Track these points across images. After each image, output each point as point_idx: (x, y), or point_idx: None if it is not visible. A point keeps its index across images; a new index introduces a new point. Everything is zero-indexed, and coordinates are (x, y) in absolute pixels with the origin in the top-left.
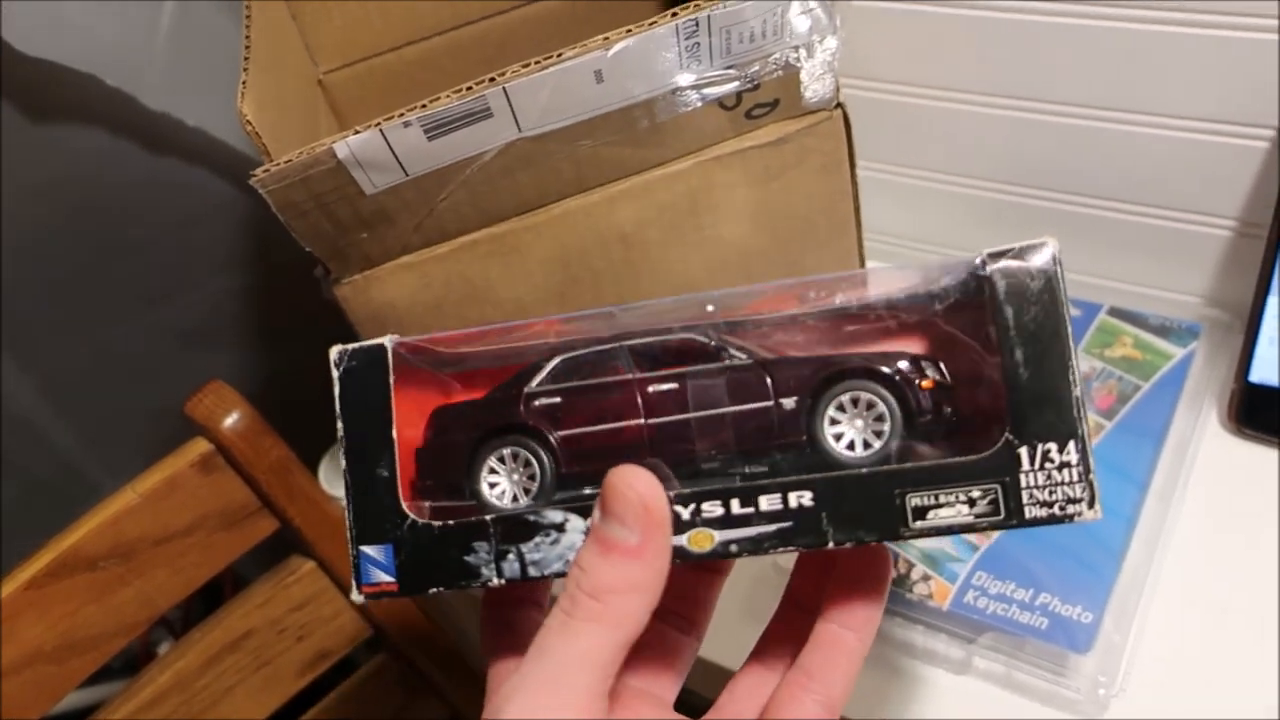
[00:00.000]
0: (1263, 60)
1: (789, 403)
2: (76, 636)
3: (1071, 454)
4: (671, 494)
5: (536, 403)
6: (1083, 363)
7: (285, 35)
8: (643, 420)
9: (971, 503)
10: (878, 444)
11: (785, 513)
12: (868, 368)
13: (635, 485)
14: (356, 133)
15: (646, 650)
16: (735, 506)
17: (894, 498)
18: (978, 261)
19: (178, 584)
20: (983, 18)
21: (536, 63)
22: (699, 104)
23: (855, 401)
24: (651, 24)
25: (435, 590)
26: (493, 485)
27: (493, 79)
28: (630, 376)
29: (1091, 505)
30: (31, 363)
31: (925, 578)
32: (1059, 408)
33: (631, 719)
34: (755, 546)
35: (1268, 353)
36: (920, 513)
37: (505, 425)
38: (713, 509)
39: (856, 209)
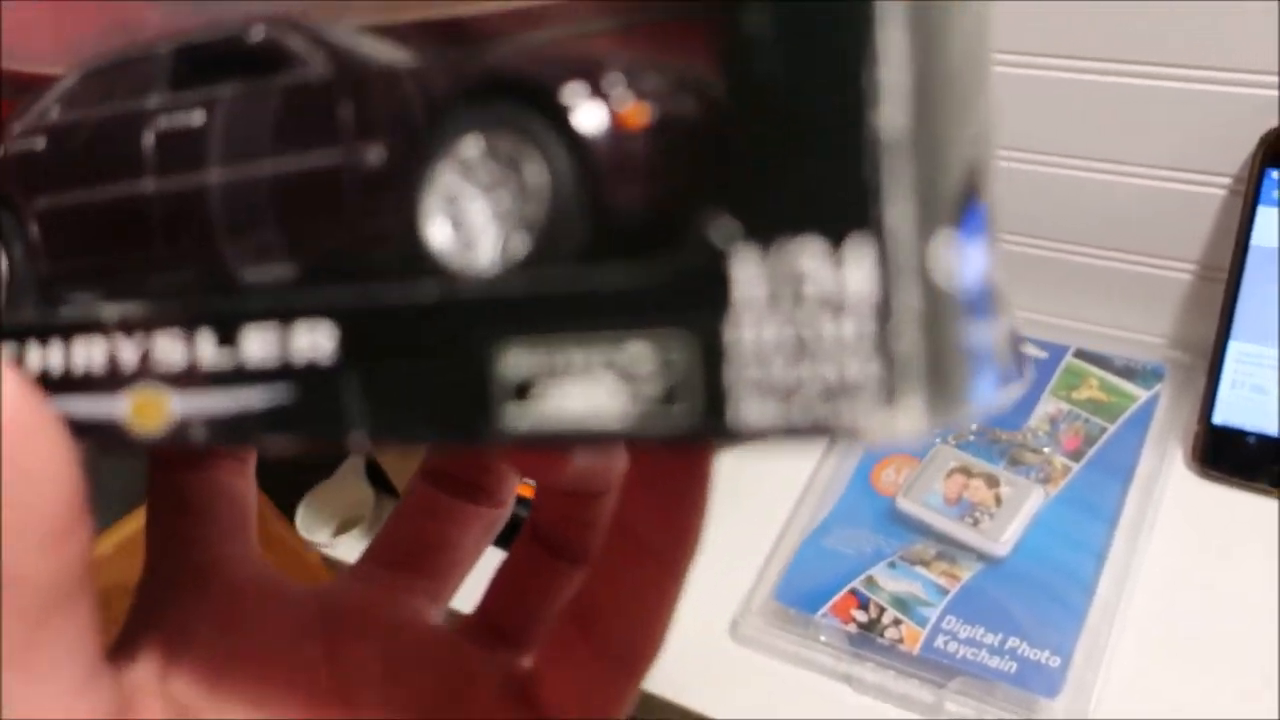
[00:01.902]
0: (1219, 112)
1: (374, 154)
2: None
3: (854, 269)
4: (110, 315)
5: (17, 146)
6: (1049, 405)
7: None
8: (147, 182)
9: (629, 377)
10: (522, 248)
11: (284, 369)
12: (507, 75)
13: None
14: None
15: None
16: (205, 348)
17: (482, 355)
18: None
19: None
20: None
21: None
22: None
23: (491, 152)
24: None
25: None
26: None
27: None
28: (146, 104)
29: (889, 400)
30: None
31: (896, 622)
32: (836, 152)
33: None
34: (232, 432)
35: (1230, 395)
36: (522, 392)
37: None
38: (170, 349)
39: None
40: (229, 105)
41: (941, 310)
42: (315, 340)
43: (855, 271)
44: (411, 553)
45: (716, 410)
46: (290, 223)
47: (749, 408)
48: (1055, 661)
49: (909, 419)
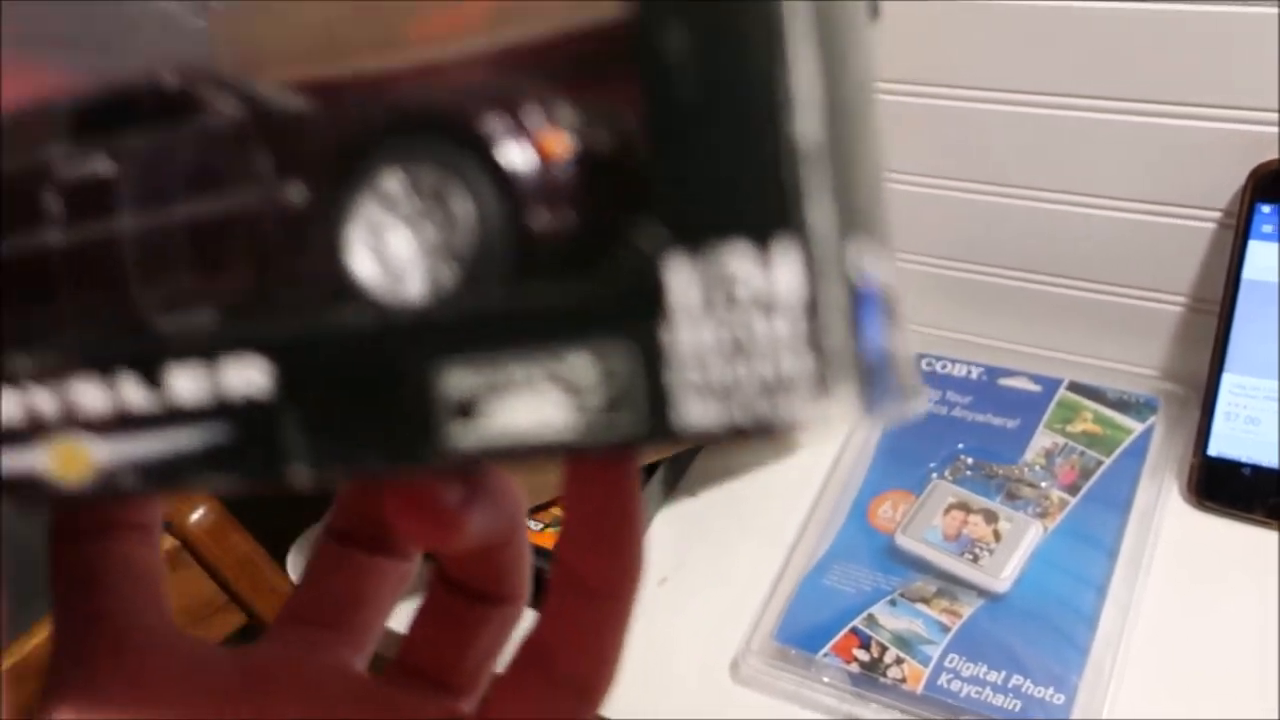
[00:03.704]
0: (1209, 148)
1: (294, 192)
2: None
3: (781, 270)
4: (23, 365)
5: None
6: (1044, 439)
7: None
8: (54, 234)
9: (572, 389)
10: (451, 277)
11: (219, 407)
12: (428, 113)
13: None
14: None
15: None
16: (130, 390)
17: (421, 378)
18: None
19: None
20: (939, 106)
21: None
22: None
23: (414, 186)
24: None
25: None
26: None
27: None
28: (47, 156)
29: (823, 389)
30: None
31: (898, 661)
32: (758, 160)
33: None
34: (166, 477)
35: (1224, 428)
36: (468, 409)
37: None
38: (89, 395)
39: None
40: (139, 152)
41: (860, 309)
42: (249, 376)
43: (783, 271)
44: (329, 609)
45: (660, 414)
46: (210, 263)
47: (691, 409)
48: (1059, 699)
49: (842, 409)
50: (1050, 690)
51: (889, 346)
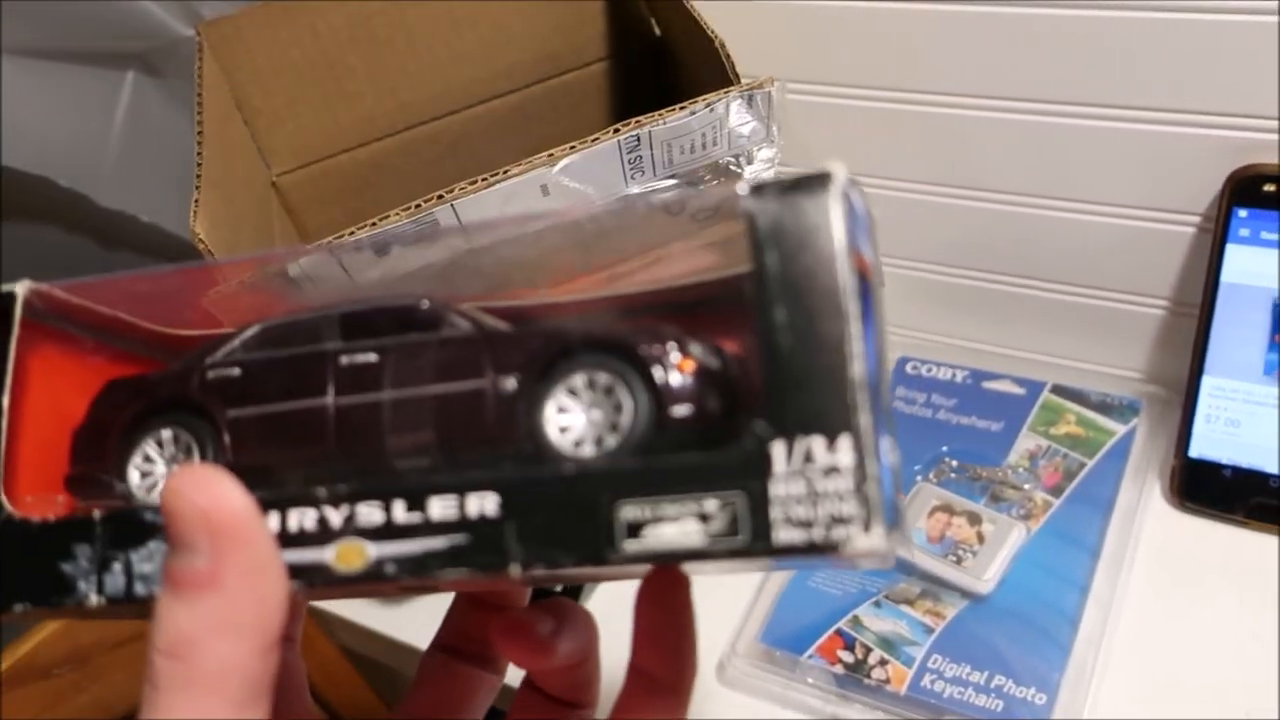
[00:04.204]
0: (1188, 153)
1: (508, 383)
2: None
3: (843, 454)
4: (322, 493)
5: (213, 374)
6: (1028, 441)
7: (238, 143)
8: (329, 400)
9: (704, 518)
10: (613, 441)
11: (461, 522)
12: (606, 339)
13: (187, 490)
14: (308, 253)
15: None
16: (399, 511)
17: (602, 507)
18: (739, 191)
19: (135, 688)
20: (923, 112)
21: (484, 179)
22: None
23: (591, 384)
24: (595, 140)
25: (22, 608)
26: (145, 474)
27: (440, 196)
28: (325, 347)
29: (867, 528)
30: None
31: (882, 662)
32: (829, 389)
33: None
34: (418, 567)
35: (1205, 430)
36: (634, 529)
37: (170, 400)
38: (370, 513)
39: None
40: (399, 349)
41: (884, 478)
42: (483, 504)
43: (842, 454)
44: (439, 709)
45: (763, 536)
46: (443, 427)
47: (782, 533)
48: (1041, 699)
49: (877, 540)
50: (1033, 690)
51: (898, 504)
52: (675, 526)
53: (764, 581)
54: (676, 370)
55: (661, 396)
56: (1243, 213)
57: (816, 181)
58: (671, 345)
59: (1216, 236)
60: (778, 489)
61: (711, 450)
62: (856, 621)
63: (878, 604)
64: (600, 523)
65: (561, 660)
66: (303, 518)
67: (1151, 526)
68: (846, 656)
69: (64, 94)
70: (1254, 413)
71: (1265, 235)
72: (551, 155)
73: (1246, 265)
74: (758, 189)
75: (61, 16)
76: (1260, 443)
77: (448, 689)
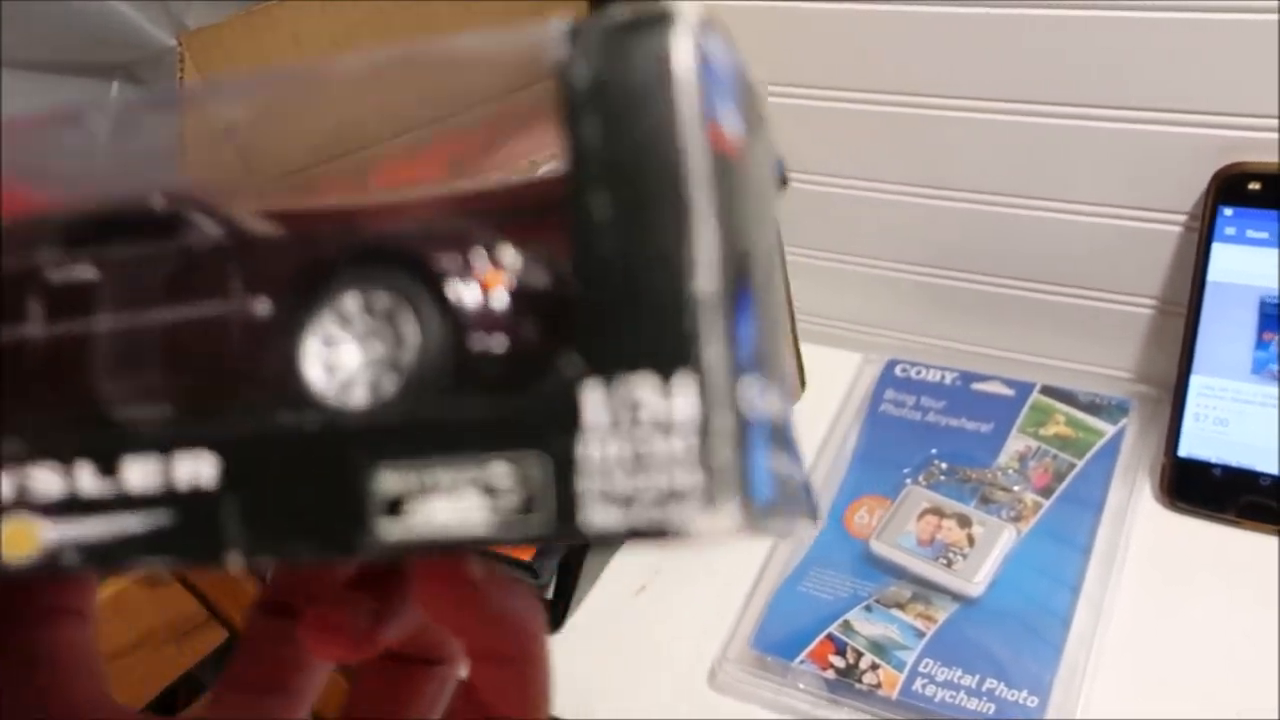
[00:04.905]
0: (1173, 152)
1: (260, 305)
2: None
3: (680, 400)
4: None
5: None
6: (1018, 442)
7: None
8: (29, 329)
9: (489, 491)
10: (390, 385)
11: (167, 496)
12: (387, 246)
13: None
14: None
15: None
16: (85, 478)
17: (356, 477)
18: (549, 33)
19: (126, 700)
20: (907, 114)
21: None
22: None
23: (367, 307)
24: None
25: None
26: None
27: None
28: (35, 261)
29: (711, 505)
30: None
31: (873, 666)
32: (663, 310)
33: None
34: (107, 556)
35: (1194, 428)
36: (396, 507)
37: None
38: (46, 481)
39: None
40: (123, 263)
41: (747, 436)
42: (197, 469)
43: (681, 400)
44: (268, 675)
45: (567, 516)
46: (174, 365)
47: (595, 513)
48: (1033, 702)
49: (726, 520)
50: (1025, 693)
51: (775, 469)
52: (449, 503)
53: (754, 587)
54: (481, 287)
55: (456, 323)
56: (1228, 211)
57: (655, 22)
58: (477, 253)
59: (1202, 235)
60: (590, 449)
61: (505, 396)
62: (847, 626)
63: (868, 608)
64: (354, 498)
65: (390, 643)
66: None
67: (1142, 526)
68: (838, 661)
69: (49, 104)
70: (1242, 411)
71: (1251, 234)
72: (533, 162)
73: (1233, 264)
74: (575, 32)
75: (46, 28)
76: (1249, 441)
77: (282, 650)
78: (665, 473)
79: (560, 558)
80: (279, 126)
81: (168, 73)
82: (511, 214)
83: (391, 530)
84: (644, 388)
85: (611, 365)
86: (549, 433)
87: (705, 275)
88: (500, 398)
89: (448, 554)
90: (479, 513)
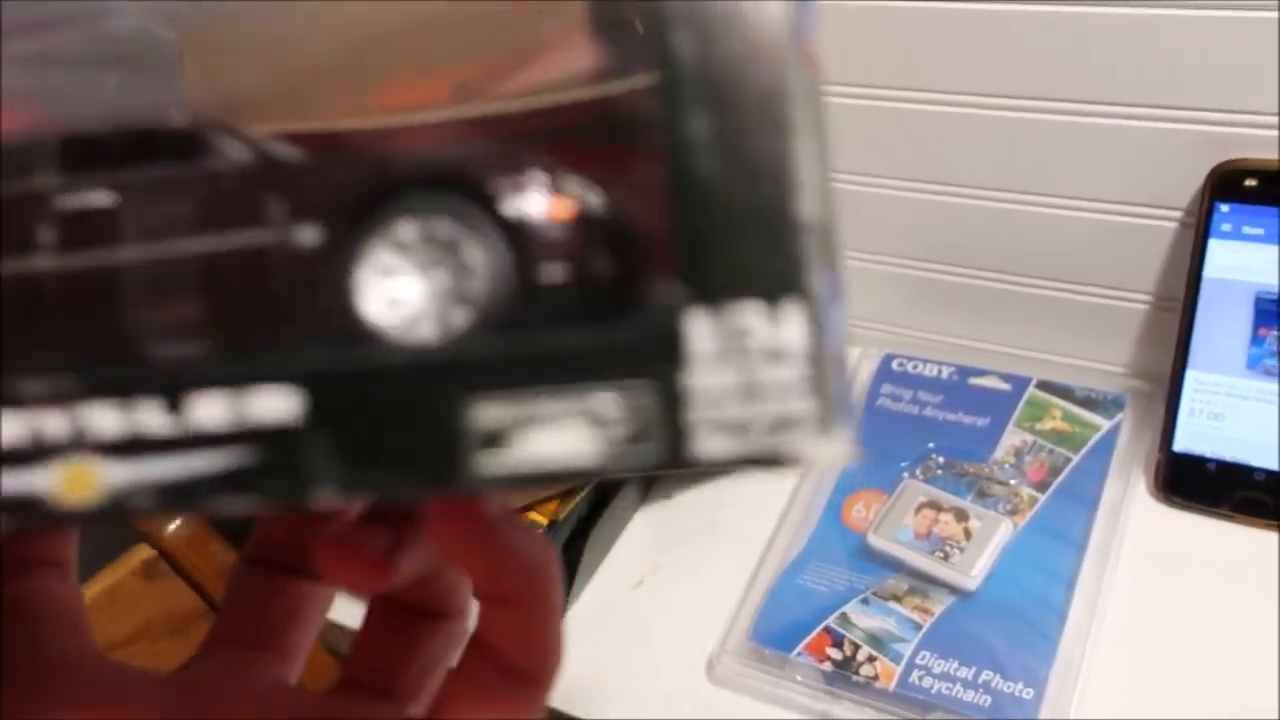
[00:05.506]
0: (1169, 148)
1: (307, 234)
2: None
3: (790, 328)
4: (34, 389)
5: None
6: (1014, 437)
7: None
8: (43, 260)
9: (598, 421)
10: (461, 318)
11: (246, 434)
12: (444, 170)
13: None
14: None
15: None
16: (151, 416)
17: (451, 411)
18: None
19: None
20: (906, 109)
21: None
22: None
23: (427, 235)
24: None
25: None
26: None
27: None
28: (36, 185)
29: (826, 431)
30: None
31: (871, 659)
32: (769, 235)
33: None
34: (186, 497)
35: (1189, 423)
36: (495, 440)
37: None
38: (105, 419)
39: None
40: (145, 187)
41: (840, 362)
42: (276, 404)
43: (790, 328)
44: (258, 630)
45: (679, 445)
46: (214, 298)
47: (707, 442)
48: (1029, 694)
49: (840, 446)
50: (1020, 685)
51: (853, 391)
52: (556, 434)
53: (752, 580)
54: (546, 215)
55: (526, 251)
56: (1224, 207)
57: None
58: (539, 178)
59: (1198, 231)
60: (699, 378)
61: (603, 326)
62: (845, 619)
63: (866, 601)
64: (446, 431)
65: (405, 580)
66: (9, 426)
67: (1137, 521)
68: (835, 654)
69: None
70: (1237, 406)
71: (1247, 230)
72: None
73: (1228, 260)
74: None
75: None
76: (1244, 436)
77: (271, 604)
78: (779, 400)
79: (559, 552)
80: (293, 41)
81: (168, 69)
82: (559, 135)
83: (491, 463)
84: (751, 314)
85: (716, 293)
86: (655, 362)
87: (810, 198)
88: (597, 327)
89: (551, 485)
90: (587, 443)
